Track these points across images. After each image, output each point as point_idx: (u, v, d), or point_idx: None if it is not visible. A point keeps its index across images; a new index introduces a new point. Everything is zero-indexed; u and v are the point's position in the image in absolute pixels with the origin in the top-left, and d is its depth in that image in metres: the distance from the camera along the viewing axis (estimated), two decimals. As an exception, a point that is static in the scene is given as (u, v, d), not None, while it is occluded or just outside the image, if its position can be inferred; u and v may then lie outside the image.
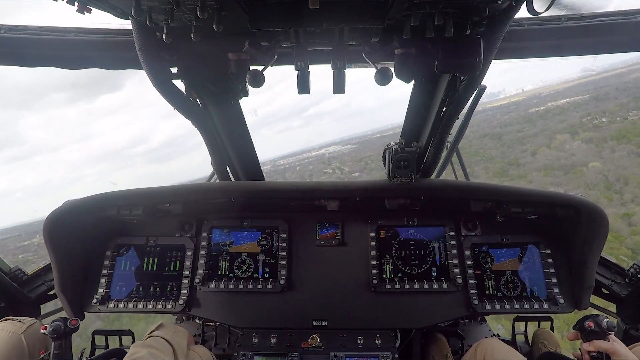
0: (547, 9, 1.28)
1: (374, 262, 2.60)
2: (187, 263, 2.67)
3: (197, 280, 2.60)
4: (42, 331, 1.94)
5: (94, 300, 2.57)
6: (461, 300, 2.52)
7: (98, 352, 2.59)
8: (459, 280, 2.52)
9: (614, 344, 1.83)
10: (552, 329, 2.73)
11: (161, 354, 1.93)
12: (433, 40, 1.46)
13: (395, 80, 1.61)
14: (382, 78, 1.57)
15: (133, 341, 2.59)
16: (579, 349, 1.97)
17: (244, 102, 2.35)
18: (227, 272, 2.68)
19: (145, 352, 1.88)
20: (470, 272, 2.55)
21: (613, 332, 1.86)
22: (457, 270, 2.55)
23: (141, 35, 1.61)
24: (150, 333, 2.14)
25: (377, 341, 2.39)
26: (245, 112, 2.47)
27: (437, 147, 2.40)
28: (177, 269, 2.69)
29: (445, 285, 2.54)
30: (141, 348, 1.93)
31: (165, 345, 2.04)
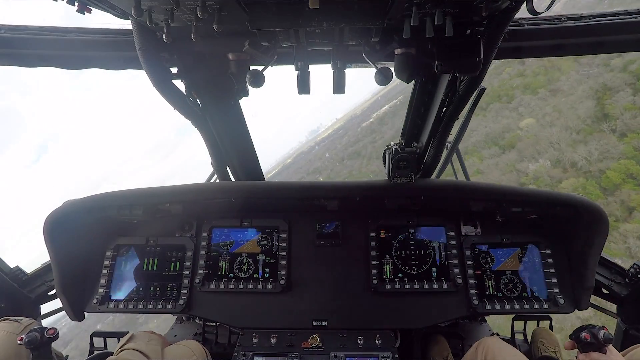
0: (547, 9, 1.27)
1: (374, 262, 2.60)
2: (187, 263, 2.66)
3: (197, 281, 2.60)
4: (19, 342, 1.88)
5: (94, 301, 2.57)
6: (461, 300, 2.52)
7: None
8: (459, 281, 2.52)
9: (610, 357, 1.81)
10: (550, 328, 2.74)
11: None
12: (433, 40, 1.46)
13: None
14: (382, 78, 1.57)
15: None
16: (576, 357, 1.96)
17: (243, 102, 2.36)
18: (227, 272, 2.68)
19: None
20: (470, 272, 2.55)
21: (610, 344, 1.83)
22: (457, 271, 2.55)
23: (141, 35, 1.61)
24: (122, 347, 2.09)
25: (377, 341, 2.38)
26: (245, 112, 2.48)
27: (437, 147, 2.40)
28: (177, 269, 2.69)
29: (445, 286, 2.54)
30: None
31: (139, 357, 2.00)
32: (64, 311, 2.63)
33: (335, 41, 1.54)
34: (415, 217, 2.70)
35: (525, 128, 49.81)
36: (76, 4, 1.19)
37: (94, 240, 2.68)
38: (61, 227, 2.35)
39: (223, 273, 2.68)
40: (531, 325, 2.81)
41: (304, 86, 1.60)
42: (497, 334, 2.99)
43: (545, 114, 49.54)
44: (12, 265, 2.84)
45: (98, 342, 2.68)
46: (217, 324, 2.95)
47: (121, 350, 2.07)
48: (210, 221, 2.77)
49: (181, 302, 2.57)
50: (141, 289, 2.66)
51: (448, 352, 2.69)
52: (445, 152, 2.66)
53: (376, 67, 1.59)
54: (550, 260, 2.53)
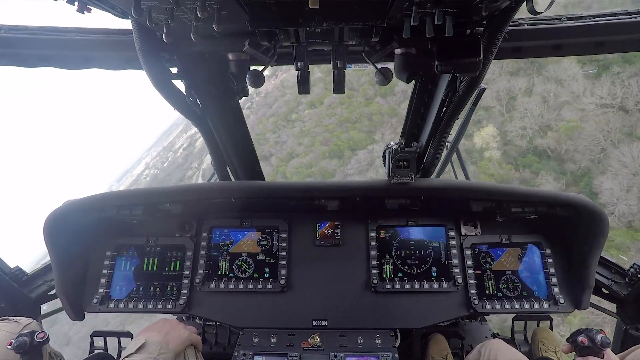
0: (547, 9, 1.28)
1: (374, 262, 2.60)
2: (187, 263, 2.66)
3: (197, 280, 2.60)
4: (8, 347, 1.82)
5: (94, 300, 2.57)
6: (461, 300, 2.52)
7: None
8: (459, 280, 2.52)
9: None
10: (551, 327, 2.74)
11: None
12: (433, 40, 1.47)
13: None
14: (382, 78, 1.58)
15: None
16: None
17: (243, 102, 2.36)
18: (227, 272, 2.68)
19: None
20: (470, 272, 2.55)
21: (607, 348, 1.83)
22: (457, 270, 2.55)
23: (141, 35, 1.61)
24: (128, 355, 1.75)
25: (377, 341, 2.39)
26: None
27: (437, 147, 2.40)
28: (177, 269, 2.69)
29: (445, 285, 2.54)
30: None
31: None
32: (64, 311, 2.63)
33: (335, 41, 1.54)
34: (415, 217, 2.70)
35: (487, 138, 41.71)
36: (76, 3, 1.19)
37: (94, 240, 2.67)
38: (61, 227, 2.35)
39: (223, 273, 2.68)
40: (531, 325, 2.81)
41: (304, 86, 1.61)
42: (498, 334, 2.99)
43: (504, 120, 41.65)
44: (12, 265, 2.84)
45: (98, 342, 2.68)
46: (217, 323, 2.95)
47: None
48: (210, 221, 2.77)
49: (181, 301, 2.57)
50: (141, 288, 2.66)
51: (448, 351, 2.69)
52: (445, 152, 2.66)
53: (376, 67, 1.59)
54: (550, 260, 2.53)
